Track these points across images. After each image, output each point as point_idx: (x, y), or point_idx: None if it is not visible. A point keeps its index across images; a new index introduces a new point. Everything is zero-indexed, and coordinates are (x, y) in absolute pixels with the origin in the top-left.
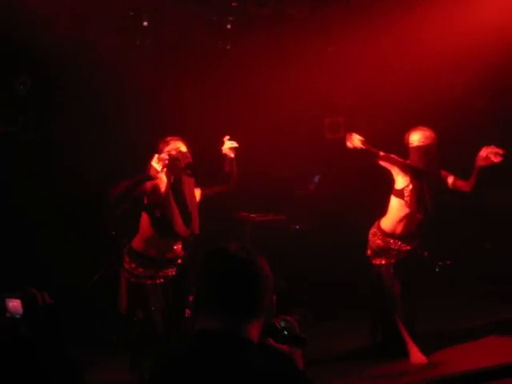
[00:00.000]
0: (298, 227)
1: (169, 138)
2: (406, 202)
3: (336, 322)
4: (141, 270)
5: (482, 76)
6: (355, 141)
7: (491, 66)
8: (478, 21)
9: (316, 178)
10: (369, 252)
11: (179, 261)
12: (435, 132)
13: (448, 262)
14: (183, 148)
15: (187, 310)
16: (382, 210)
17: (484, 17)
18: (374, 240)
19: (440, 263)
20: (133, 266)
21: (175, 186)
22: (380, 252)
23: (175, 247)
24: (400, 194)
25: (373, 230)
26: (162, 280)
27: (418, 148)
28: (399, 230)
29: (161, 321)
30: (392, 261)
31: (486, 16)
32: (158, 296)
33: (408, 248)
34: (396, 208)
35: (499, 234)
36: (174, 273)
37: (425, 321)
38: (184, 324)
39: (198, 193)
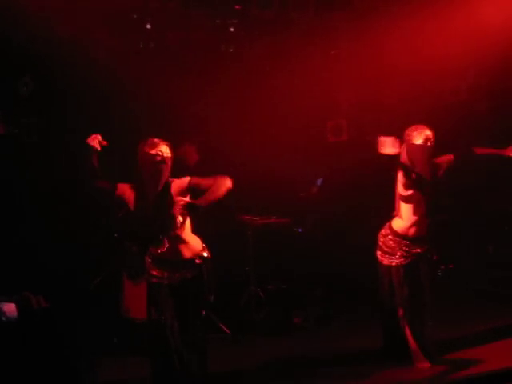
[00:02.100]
0: (300, 230)
1: (155, 140)
2: (413, 206)
3: (338, 324)
4: (157, 271)
5: (485, 79)
6: (388, 146)
7: (494, 70)
8: (481, 24)
9: (319, 181)
10: (378, 253)
11: (197, 261)
12: (437, 134)
13: (451, 266)
14: (166, 151)
15: (202, 311)
16: (387, 211)
17: (487, 20)
18: (385, 241)
19: (443, 267)
20: (151, 267)
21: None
22: (391, 253)
23: (179, 246)
24: (407, 199)
25: (384, 230)
26: (178, 281)
27: (424, 148)
28: (411, 232)
29: (173, 322)
30: (402, 263)
31: (489, 20)
32: (173, 297)
33: (418, 251)
34: (407, 212)
35: (502, 237)
36: (190, 274)
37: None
38: (199, 324)
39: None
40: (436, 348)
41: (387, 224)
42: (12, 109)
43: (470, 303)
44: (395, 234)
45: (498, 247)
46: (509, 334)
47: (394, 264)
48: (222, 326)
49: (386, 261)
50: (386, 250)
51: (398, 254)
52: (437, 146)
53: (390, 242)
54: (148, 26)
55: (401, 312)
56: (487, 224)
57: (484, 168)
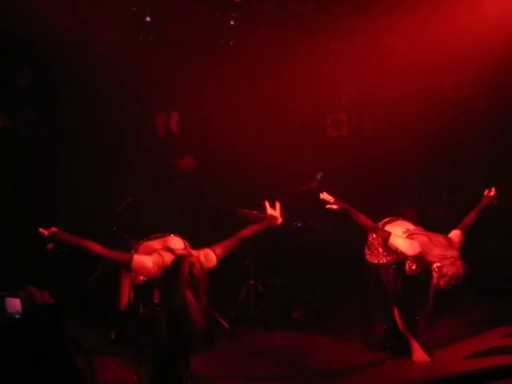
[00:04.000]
0: (299, 224)
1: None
2: None
3: (337, 320)
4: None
5: (486, 74)
6: None
7: (495, 66)
8: (482, 19)
9: (318, 175)
10: (367, 251)
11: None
12: (437, 129)
13: None
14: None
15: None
16: (384, 208)
17: (488, 16)
18: (374, 243)
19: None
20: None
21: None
22: (380, 251)
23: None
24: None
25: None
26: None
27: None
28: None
29: (165, 318)
30: (391, 260)
31: (491, 15)
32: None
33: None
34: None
35: (501, 233)
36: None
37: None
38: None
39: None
40: (435, 342)
41: (380, 223)
42: (11, 101)
43: (468, 299)
44: (385, 244)
45: (497, 243)
46: (508, 330)
47: (383, 262)
48: (221, 321)
49: (374, 259)
50: (374, 250)
51: (387, 252)
52: (437, 141)
53: (380, 249)
54: (148, 19)
55: (395, 310)
56: (486, 220)
57: (482, 164)
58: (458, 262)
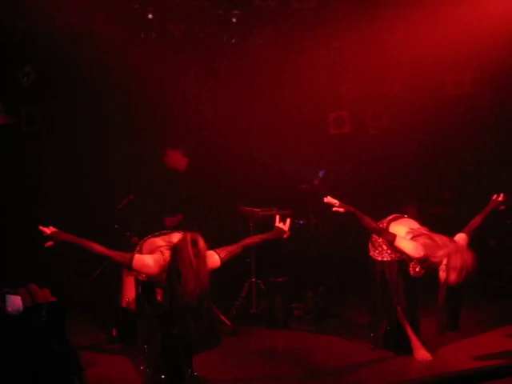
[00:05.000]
0: (302, 222)
1: None
2: None
3: (339, 318)
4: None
5: (488, 72)
6: None
7: (498, 62)
8: (483, 16)
9: (320, 173)
10: (372, 247)
11: None
12: (439, 126)
13: None
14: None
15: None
16: (386, 205)
17: (490, 12)
18: (377, 240)
19: None
20: None
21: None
22: (385, 249)
23: None
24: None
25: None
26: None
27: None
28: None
29: (169, 316)
30: (395, 258)
31: (493, 13)
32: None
33: None
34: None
35: (504, 231)
36: None
37: (428, 318)
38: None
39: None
40: (437, 340)
41: (385, 220)
42: (13, 98)
43: (470, 296)
44: (391, 244)
45: (499, 241)
46: (510, 329)
47: (387, 259)
48: (224, 318)
49: (378, 256)
50: (378, 247)
51: (391, 249)
52: (438, 139)
53: (384, 247)
54: (150, 16)
55: (399, 310)
56: (489, 217)
57: (484, 162)
58: (466, 253)
